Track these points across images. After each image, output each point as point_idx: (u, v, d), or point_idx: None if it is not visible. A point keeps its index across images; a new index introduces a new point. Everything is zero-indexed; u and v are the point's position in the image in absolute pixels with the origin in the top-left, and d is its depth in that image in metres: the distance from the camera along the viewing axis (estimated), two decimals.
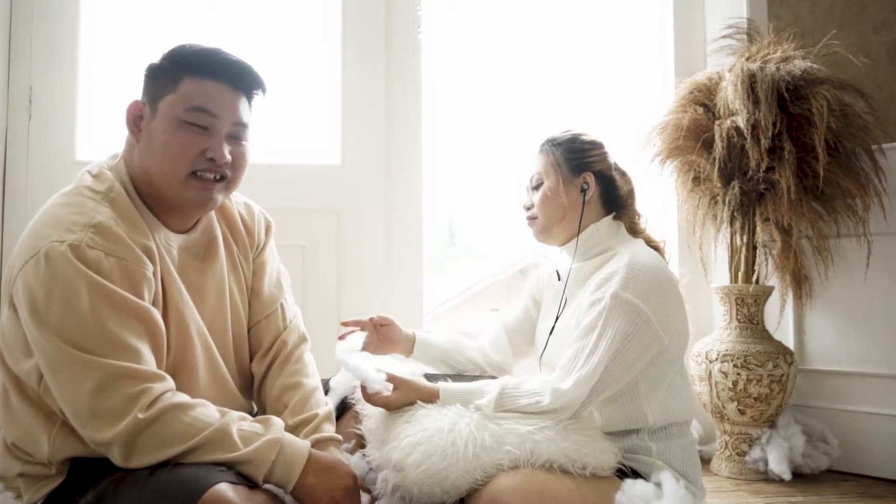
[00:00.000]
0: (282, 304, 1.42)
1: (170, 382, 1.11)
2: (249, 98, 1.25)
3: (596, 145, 1.53)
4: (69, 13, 2.28)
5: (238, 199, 1.41)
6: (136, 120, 1.19)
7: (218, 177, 1.20)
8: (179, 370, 1.20)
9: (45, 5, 2.26)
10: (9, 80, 2.24)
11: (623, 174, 1.56)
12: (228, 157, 1.19)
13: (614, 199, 1.53)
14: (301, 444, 1.13)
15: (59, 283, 1.05)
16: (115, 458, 1.05)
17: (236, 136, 1.21)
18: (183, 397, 1.10)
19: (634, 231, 1.53)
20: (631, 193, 1.55)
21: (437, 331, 1.68)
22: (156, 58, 1.21)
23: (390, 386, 1.36)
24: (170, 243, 1.23)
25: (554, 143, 1.53)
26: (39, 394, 1.13)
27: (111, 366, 1.04)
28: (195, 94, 1.16)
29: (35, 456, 1.16)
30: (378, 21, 2.45)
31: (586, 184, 1.49)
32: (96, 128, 2.32)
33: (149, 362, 1.10)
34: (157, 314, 1.15)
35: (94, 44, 2.33)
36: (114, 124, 2.32)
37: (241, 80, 1.21)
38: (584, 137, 1.53)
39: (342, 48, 2.44)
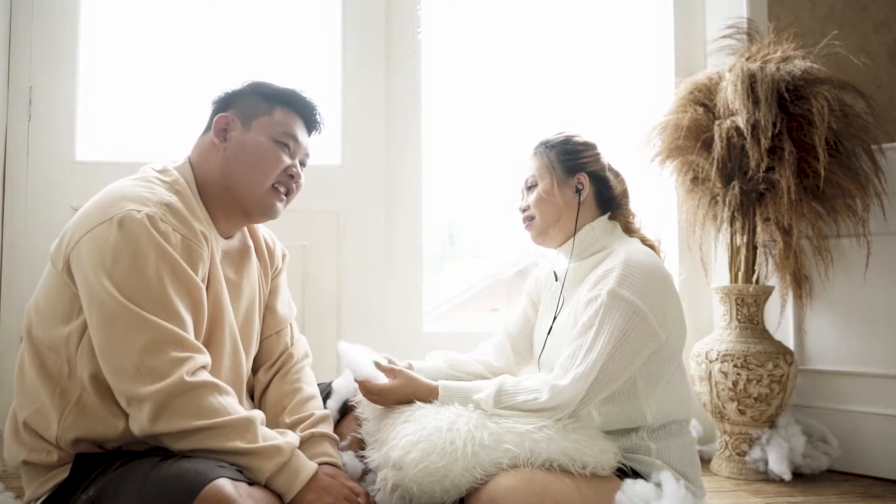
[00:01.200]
0: (291, 324, 1.53)
1: (209, 358, 1.18)
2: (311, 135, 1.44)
3: (589, 146, 1.54)
4: (69, 13, 2.28)
5: (259, 227, 1.53)
6: (224, 130, 1.33)
7: (286, 192, 1.37)
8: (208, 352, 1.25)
9: (45, 5, 2.26)
10: (9, 80, 2.24)
11: (616, 174, 1.56)
12: (302, 178, 1.39)
13: (609, 199, 1.53)
14: (310, 463, 1.19)
15: (130, 245, 1.13)
16: (143, 417, 1.09)
17: (302, 164, 1.41)
18: (217, 380, 1.16)
19: (629, 230, 1.54)
20: (625, 193, 1.56)
21: (431, 357, 1.68)
22: (235, 85, 1.39)
23: (381, 376, 1.39)
24: (217, 241, 1.33)
25: (547, 146, 1.54)
26: (58, 370, 1.18)
27: (165, 328, 1.12)
28: (288, 121, 1.36)
29: (43, 436, 1.19)
30: (378, 21, 2.46)
31: (581, 184, 1.50)
32: (96, 128, 2.32)
33: (192, 334, 1.17)
34: (205, 294, 1.23)
35: (94, 44, 2.33)
36: (114, 124, 2.34)
37: (313, 120, 1.42)
38: (576, 139, 1.54)
39: (342, 49, 2.45)
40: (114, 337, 1.11)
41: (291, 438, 1.20)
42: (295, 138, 1.36)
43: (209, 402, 1.11)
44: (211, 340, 1.27)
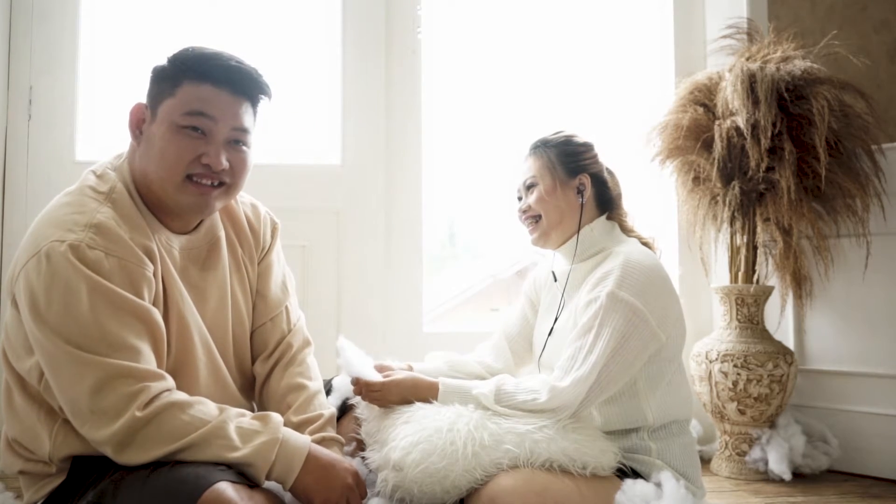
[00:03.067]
0: (287, 307, 1.42)
1: (169, 381, 1.11)
2: (253, 103, 1.24)
3: (588, 147, 1.54)
4: (69, 13, 2.28)
5: (245, 200, 1.41)
6: (139, 123, 1.20)
7: (216, 182, 1.19)
8: (180, 370, 1.21)
9: (45, 5, 2.26)
10: (9, 80, 2.24)
11: (613, 175, 1.57)
12: (225, 164, 1.18)
13: (608, 200, 1.53)
14: (300, 443, 1.13)
15: (59, 283, 1.06)
16: (111, 455, 1.06)
17: (236, 141, 1.20)
18: (181, 396, 1.10)
19: (625, 230, 1.54)
20: (620, 194, 1.56)
21: (430, 357, 1.67)
22: (160, 60, 1.20)
23: (377, 375, 1.39)
24: (171, 244, 1.23)
25: (548, 145, 1.53)
26: (41, 391, 1.14)
27: (110, 364, 1.05)
28: (193, 98, 1.15)
29: (36, 453, 1.16)
30: (378, 21, 2.45)
31: (582, 185, 1.50)
32: (96, 128, 2.33)
33: (148, 361, 1.10)
34: (157, 314, 1.15)
35: (94, 44, 2.33)
36: (113, 124, 2.34)
37: (242, 85, 1.19)
38: (576, 139, 1.53)
39: (342, 48, 2.45)
40: (62, 381, 1.06)
41: (272, 430, 1.11)
42: (205, 114, 1.15)
43: (171, 424, 1.05)
44: (182, 356, 1.21)
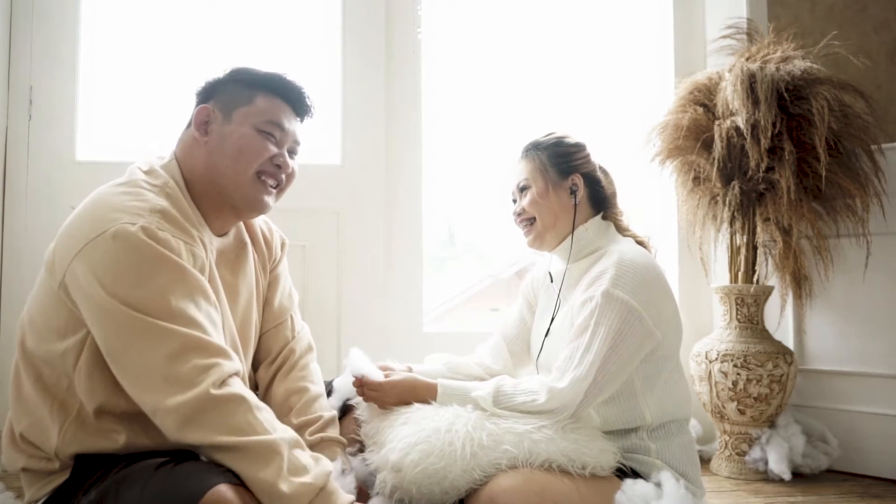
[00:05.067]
0: (291, 316, 1.48)
1: (236, 362, 1.13)
2: (302, 121, 1.39)
3: (580, 147, 1.53)
4: (69, 13, 2.28)
5: (257, 219, 1.48)
6: (204, 123, 1.28)
7: (275, 184, 1.32)
8: None
9: (45, 5, 2.26)
10: (9, 80, 2.24)
11: (606, 174, 1.56)
12: (291, 167, 1.33)
13: (602, 200, 1.53)
14: (343, 499, 1.09)
15: (132, 259, 1.09)
16: (170, 426, 1.07)
17: (293, 153, 1.35)
18: (250, 393, 1.12)
19: (620, 229, 1.54)
20: (615, 193, 1.56)
21: (430, 359, 1.67)
22: (217, 73, 1.33)
23: (380, 375, 1.40)
24: (212, 243, 1.29)
25: (538, 147, 1.53)
26: (55, 382, 1.15)
27: (185, 334, 1.08)
28: (270, 109, 1.29)
29: (42, 448, 1.17)
30: (378, 21, 2.46)
31: (575, 185, 1.49)
32: (96, 128, 2.32)
33: (217, 338, 1.14)
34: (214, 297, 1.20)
35: (94, 44, 2.33)
36: (114, 124, 2.34)
37: (302, 106, 1.35)
38: (567, 140, 1.53)
39: (342, 48, 2.45)
40: (136, 352, 1.07)
41: (320, 475, 1.08)
42: (280, 126, 1.29)
43: (239, 418, 1.06)
44: None
